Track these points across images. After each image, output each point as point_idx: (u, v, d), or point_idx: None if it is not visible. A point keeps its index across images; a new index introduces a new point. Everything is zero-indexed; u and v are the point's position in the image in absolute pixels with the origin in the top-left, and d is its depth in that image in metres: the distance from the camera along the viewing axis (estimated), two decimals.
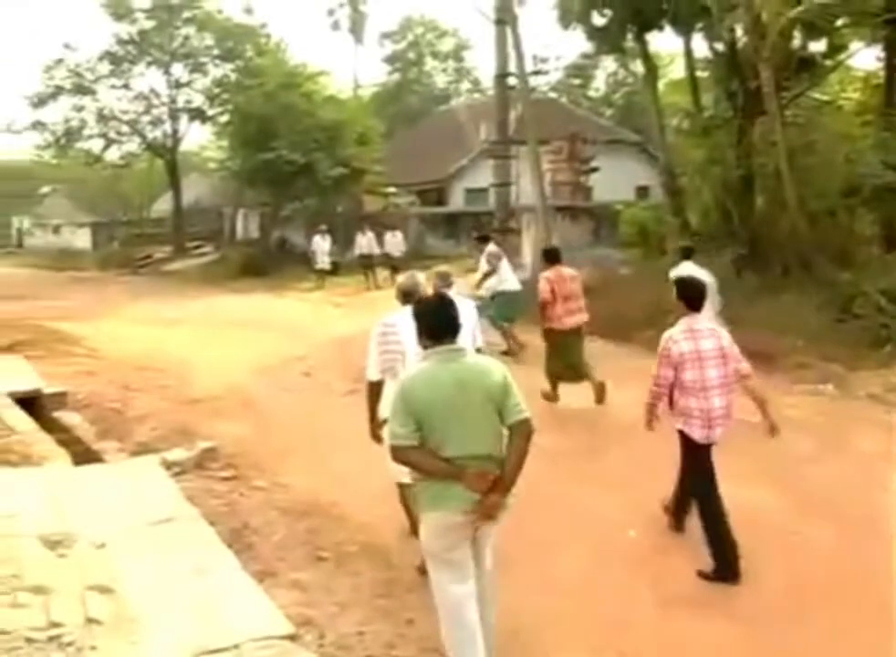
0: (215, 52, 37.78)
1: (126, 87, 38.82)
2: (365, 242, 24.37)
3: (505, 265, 13.15)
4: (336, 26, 54.07)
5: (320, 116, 28.66)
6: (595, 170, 22.96)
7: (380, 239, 23.92)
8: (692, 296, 5.85)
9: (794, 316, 12.64)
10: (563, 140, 21.98)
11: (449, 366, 4.06)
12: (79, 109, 38.46)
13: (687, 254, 10.65)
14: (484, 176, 25.90)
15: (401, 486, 5.42)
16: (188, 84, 39.07)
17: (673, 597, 5.34)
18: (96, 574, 4.80)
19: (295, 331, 16.06)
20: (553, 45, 75.71)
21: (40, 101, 37.74)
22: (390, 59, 57.90)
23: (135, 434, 8.95)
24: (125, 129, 39.68)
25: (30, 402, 9.36)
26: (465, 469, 3.95)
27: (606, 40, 18.92)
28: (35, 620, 4.28)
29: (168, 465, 7.11)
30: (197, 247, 39.63)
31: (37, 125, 38.25)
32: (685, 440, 5.75)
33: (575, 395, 9.90)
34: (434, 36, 58.97)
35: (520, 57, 19.09)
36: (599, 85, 53.16)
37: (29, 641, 4.07)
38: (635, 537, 6.26)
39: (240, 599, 4.64)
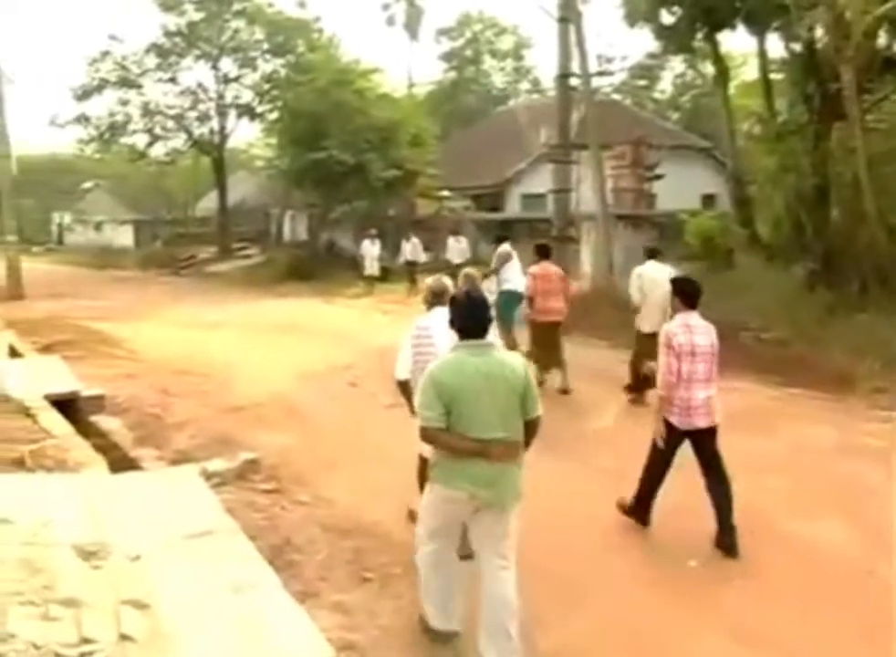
0: (265, 46, 38.14)
1: (173, 81, 39.29)
2: (409, 248, 24.42)
3: (512, 266, 13.46)
4: (391, 21, 54.40)
5: (373, 115, 28.74)
6: (659, 177, 22.73)
7: (432, 246, 23.86)
8: (688, 293, 6.62)
9: (871, 336, 12.39)
10: (627, 144, 21.75)
11: (476, 358, 4.63)
12: (124, 102, 39.00)
13: (652, 254, 11.56)
14: (542, 181, 25.77)
15: (423, 460, 5.76)
16: (237, 79, 39.43)
17: (747, 634, 5.22)
18: (130, 588, 4.80)
19: (341, 338, 16.12)
20: (618, 44, 75.46)
21: (85, 94, 38.28)
22: (447, 57, 58.06)
23: (174, 442, 9.01)
24: (171, 124, 40.13)
25: (67, 405, 9.46)
26: (491, 445, 4.53)
27: (674, 39, 18.80)
28: (66, 634, 4.27)
29: (208, 476, 7.12)
30: (242, 249, 39.98)
31: (81, 118, 38.79)
32: (666, 425, 6.45)
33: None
34: (493, 34, 59.08)
35: (583, 56, 19.00)
36: (665, 87, 52.85)
37: None
38: (696, 567, 6.15)
39: (280, 620, 4.61)
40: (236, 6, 37.64)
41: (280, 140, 33.36)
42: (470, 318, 4.74)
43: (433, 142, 31.49)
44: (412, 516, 5.93)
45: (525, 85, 60.35)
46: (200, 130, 40.33)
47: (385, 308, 21.00)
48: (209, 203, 50.18)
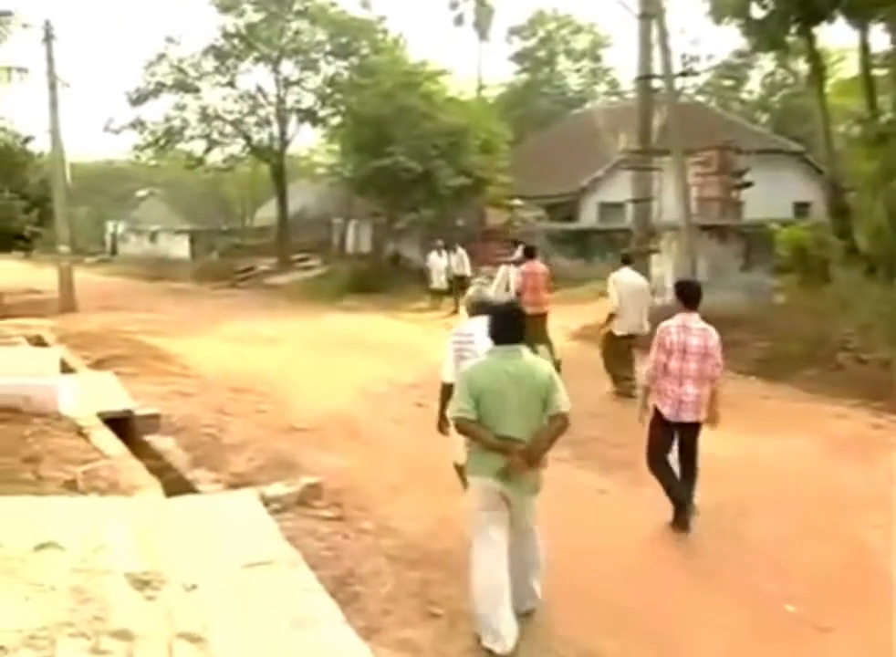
0: (328, 48, 38.50)
1: (231, 84, 39.86)
2: (456, 260, 24.40)
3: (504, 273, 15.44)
4: (459, 20, 54.48)
5: (441, 119, 28.84)
6: (748, 184, 22.39)
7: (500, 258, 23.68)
8: (688, 296, 7.72)
9: None
10: (712, 149, 21.47)
11: (506, 362, 5.42)
12: (181, 107, 39.66)
13: (626, 260, 13.32)
14: (620, 190, 25.60)
15: (459, 468, 6.70)
16: (298, 82, 39.88)
17: None
18: (185, 620, 4.80)
19: (406, 356, 16.12)
20: (702, 41, 74.82)
21: (140, 98, 38.97)
22: (519, 57, 58.08)
23: (231, 464, 9.06)
24: (229, 129, 40.70)
25: (120, 424, 9.59)
26: (512, 445, 5.29)
27: (765, 35, 18.50)
28: None
29: (267, 501, 7.12)
30: (303, 260, 40.27)
31: (137, 124, 39.51)
32: (656, 414, 7.58)
33: None
34: (568, 32, 58.94)
35: (666, 55, 18.77)
36: (753, 87, 52.10)
37: None
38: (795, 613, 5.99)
39: None
40: (297, 6, 38.08)
41: (343, 147, 33.66)
42: (505, 328, 5.53)
43: (504, 148, 31.47)
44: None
45: (602, 87, 60.08)
46: (259, 136, 40.84)
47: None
48: (268, 212, 50.74)
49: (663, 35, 18.57)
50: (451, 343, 7.13)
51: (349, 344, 17.62)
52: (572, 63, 59.92)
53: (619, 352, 12.88)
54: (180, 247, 53.15)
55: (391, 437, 10.58)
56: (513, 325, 5.54)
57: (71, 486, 7.15)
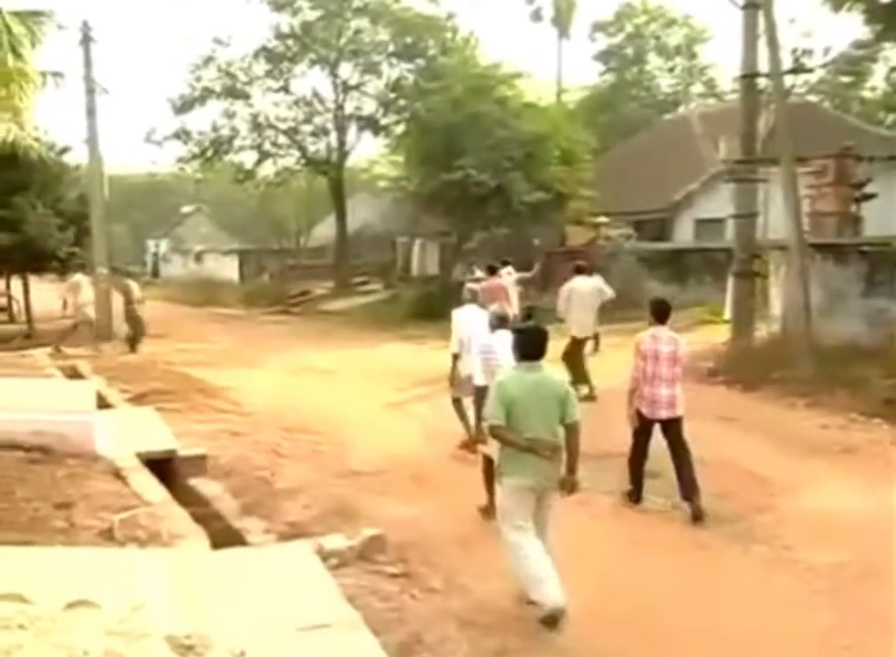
0: (391, 49, 38.89)
1: (284, 90, 40.38)
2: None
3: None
4: (537, 15, 54.59)
5: (517, 127, 28.92)
6: (870, 196, 22.04)
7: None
8: (658, 311, 9.59)
9: None
10: (828, 157, 21.19)
11: (531, 375, 7.07)
12: (230, 115, 40.29)
13: (579, 270, 16.52)
14: (720, 204, 25.41)
15: (487, 461, 8.68)
16: (357, 87, 40.27)
17: None
18: None
19: None
20: (816, 32, 73.65)
21: (186, 106, 39.67)
22: (604, 56, 58.11)
23: (285, 512, 9.03)
24: (282, 139, 41.22)
25: (162, 466, 9.65)
26: (537, 444, 6.84)
27: (893, 22, 18.10)
28: None
29: (324, 555, 7.09)
30: (363, 283, 40.57)
31: (181, 133, 40.19)
32: (638, 414, 9.50)
33: None
34: (660, 27, 58.66)
35: (774, 50, 18.53)
36: (876, 83, 50.86)
37: None
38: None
39: None
40: (357, 3, 38.47)
41: (408, 158, 33.85)
42: (532, 346, 7.14)
43: (588, 159, 31.45)
44: (485, 513, 8.85)
45: (698, 88, 59.67)
46: (315, 147, 41.32)
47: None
48: (325, 230, 51.21)
49: (770, 26, 18.30)
50: (476, 353, 9.59)
51: (413, 377, 17.58)
52: (664, 61, 59.62)
53: (572, 355, 15.50)
54: (228, 269, 53.80)
55: (461, 482, 10.44)
56: (537, 344, 7.16)
57: (107, 536, 7.18)
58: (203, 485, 9.57)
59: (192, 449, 10.34)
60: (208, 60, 39.42)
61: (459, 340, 11.46)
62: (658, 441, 9.73)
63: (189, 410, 14.09)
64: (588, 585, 7.13)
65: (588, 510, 9.33)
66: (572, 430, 7.01)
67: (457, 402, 11.65)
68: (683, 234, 32.60)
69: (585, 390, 14.82)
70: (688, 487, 9.29)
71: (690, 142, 35.25)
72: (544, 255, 28.85)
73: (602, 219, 31.14)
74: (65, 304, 23.17)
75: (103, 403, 13.07)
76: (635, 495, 9.70)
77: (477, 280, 18.25)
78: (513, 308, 17.11)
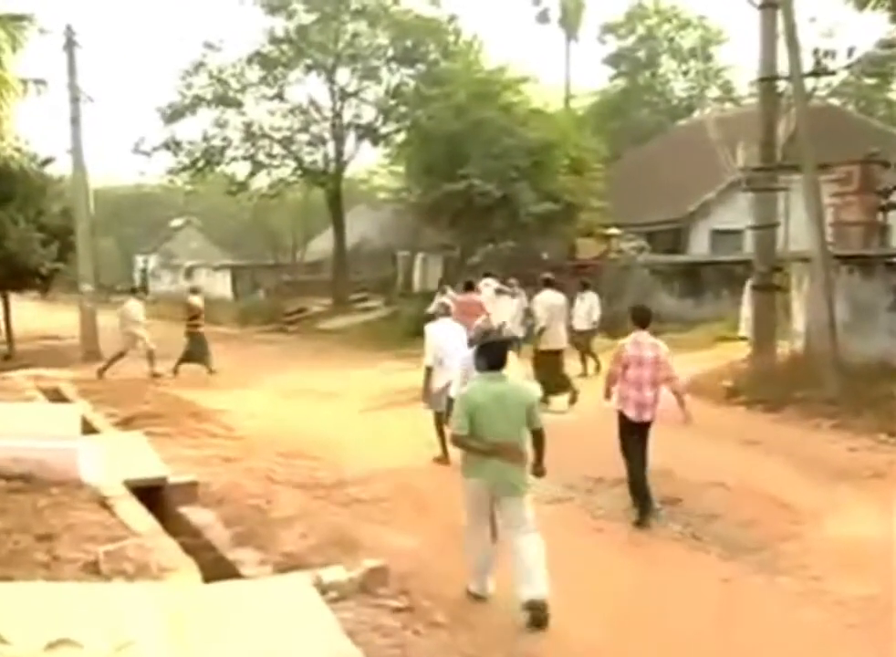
0: (390, 53, 38.99)
1: (279, 97, 40.46)
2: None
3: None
4: (543, 17, 54.74)
5: (523, 135, 28.96)
6: None
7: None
8: (639, 317, 10.44)
9: None
10: (852, 163, 21.16)
11: (494, 384, 7.87)
12: (222, 124, 40.37)
13: (547, 283, 17.84)
14: (737, 214, 25.42)
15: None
16: (356, 94, 40.36)
17: None
18: None
19: None
20: (838, 32, 73.46)
21: (175, 114, 39.75)
22: (614, 60, 58.18)
23: (281, 542, 8.97)
24: (277, 149, 41.30)
25: (151, 494, 9.59)
26: (499, 447, 7.62)
27: None
28: None
29: (323, 588, 7.04)
30: (362, 300, 40.60)
31: (171, 143, 40.22)
32: (621, 417, 10.36)
33: None
34: (673, 28, 58.74)
35: (794, 51, 18.52)
36: None
37: None
38: None
39: None
40: (355, 6, 38.56)
41: (409, 168, 33.87)
42: (495, 357, 7.96)
43: (598, 168, 31.55)
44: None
45: (714, 92, 59.74)
46: (312, 157, 41.36)
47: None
48: (322, 244, 51.26)
49: (790, 26, 18.29)
50: (460, 365, 10.60)
51: (415, 399, 17.54)
52: (678, 64, 59.69)
53: (548, 366, 16.68)
54: (220, 285, 53.78)
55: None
56: (500, 355, 7.99)
57: (92, 570, 7.12)
58: (194, 514, 9.50)
59: (182, 476, 10.28)
60: (199, 66, 39.50)
61: (433, 355, 12.49)
62: (675, 463, 10.67)
63: (179, 434, 14.05)
64: (601, 619, 7.10)
65: (603, 538, 9.34)
66: (538, 434, 7.90)
67: (438, 416, 12.55)
68: (699, 247, 32.60)
69: (565, 397, 16.46)
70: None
71: (705, 149, 35.27)
72: (549, 268, 28.83)
73: (613, 231, 31.15)
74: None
75: (88, 428, 13.04)
76: (643, 515, 10.10)
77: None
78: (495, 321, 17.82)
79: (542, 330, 17.09)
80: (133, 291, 25.50)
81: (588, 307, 21.64)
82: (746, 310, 20.17)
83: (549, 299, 17.41)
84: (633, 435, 10.36)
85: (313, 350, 27.92)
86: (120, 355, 22.29)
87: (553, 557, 7.83)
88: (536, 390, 9.04)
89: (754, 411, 15.81)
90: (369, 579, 7.56)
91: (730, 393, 16.90)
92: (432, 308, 14.48)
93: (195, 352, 23.04)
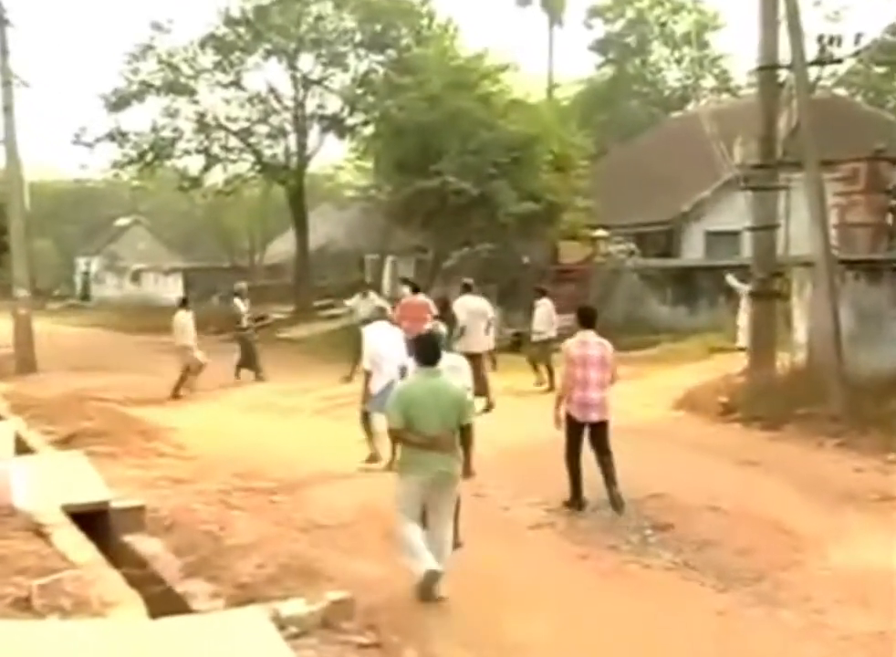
0: (358, 38, 39.08)
1: (236, 85, 40.36)
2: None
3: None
4: (525, 0, 54.95)
5: (502, 128, 29.03)
6: None
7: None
8: (585, 316, 11.38)
9: None
10: (859, 160, 21.27)
11: (429, 380, 8.82)
12: (173, 113, 40.27)
13: (467, 288, 19.99)
14: (734, 215, 25.56)
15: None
16: (320, 82, 40.35)
17: None
18: None
19: None
20: (845, 16, 73.79)
21: (121, 102, 39.57)
22: (602, 46, 58.54)
23: (235, 572, 8.93)
24: (233, 142, 41.24)
25: (93, 520, 9.53)
26: (435, 439, 8.51)
27: None
28: None
29: (282, 622, 7.01)
30: (327, 307, 40.47)
31: (116, 134, 40.01)
32: (568, 418, 11.18)
33: None
34: (666, 12, 59.00)
35: (796, 38, 18.61)
36: None
37: None
38: None
39: None
40: None
41: (378, 164, 33.90)
42: (431, 352, 8.94)
43: (584, 164, 31.62)
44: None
45: (709, 81, 60.03)
46: (271, 150, 41.40)
47: (517, 389, 20.80)
48: (283, 245, 51.27)
49: (792, 10, 18.38)
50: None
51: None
52: (670, 51, 60.09)
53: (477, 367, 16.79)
54: (170, 290, 53.57)
55: None
56: (435, 351, 8.98)
57: (24, 606, 7.05)
58: (141, 543, 9.47)
59: (127, 500, 10.23)
60: (146, 50, 39.31)
61: (370, 359, 13.53)
62: (666, 486, 11.00)
63: (125, 454, 14.02)
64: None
65: (587, 566, 9.35)
66: (467, 429, 8.82)
67: (365, 417, 13.78)
68: (692, 250, 32.77)
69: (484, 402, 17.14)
70: (611, 480, 11.10)
71: (700, 144, 35.46)
72: (533, 273, 28.89)
73: (600, 233, 31.30)
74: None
75: (23, 448, 12.97)
76: (576, 503, 11.21)
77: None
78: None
79: (462, 330, 18.12)
80: (184, 302, 25.15)
81: (544, 315, 21.99)
82: (744, 319, 20.28)
83: (469, 304, 19.22)
84: (578, 436, 11.21)
85: (273, 362, 27.76)
86: (188, 370, 22.14)
87: (535, 587, 7.86)
88: (462, 383, 9.70)
89: (751, 429, 15.88)
90: (332, 613, 7.54)
91: (726, 409, 16.96)
92: (366, 313, 16.79)
93: (246, 357, 24.32)
